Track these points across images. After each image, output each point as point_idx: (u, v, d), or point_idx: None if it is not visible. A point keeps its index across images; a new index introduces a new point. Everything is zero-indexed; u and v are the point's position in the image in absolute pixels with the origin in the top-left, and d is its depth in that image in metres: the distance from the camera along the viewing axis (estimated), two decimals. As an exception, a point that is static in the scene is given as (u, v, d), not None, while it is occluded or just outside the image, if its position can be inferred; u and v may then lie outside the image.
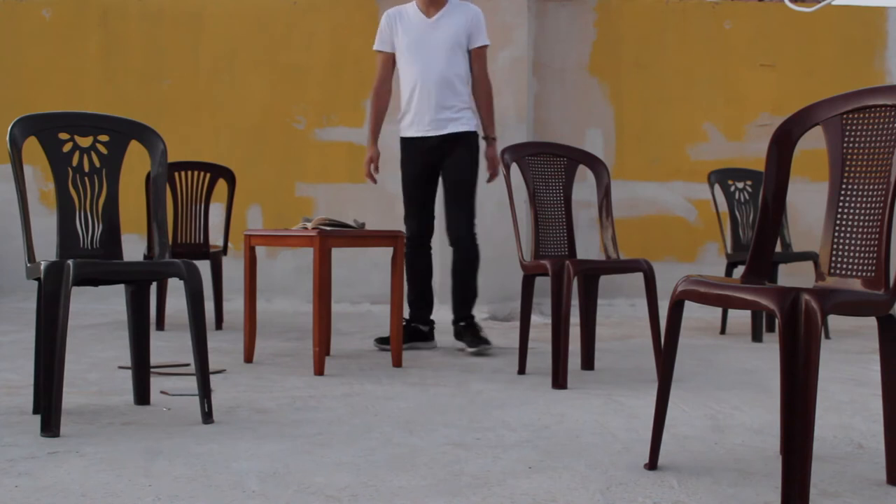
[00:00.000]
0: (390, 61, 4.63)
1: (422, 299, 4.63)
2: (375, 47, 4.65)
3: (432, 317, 4.70)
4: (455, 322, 4.57)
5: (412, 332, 4.59)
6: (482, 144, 4.62)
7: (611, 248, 4.02)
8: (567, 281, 3.57)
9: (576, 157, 4.20)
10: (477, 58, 4.55)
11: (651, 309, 3.68)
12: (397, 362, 4.01)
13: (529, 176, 4.13)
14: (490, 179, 4.66)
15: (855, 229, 2.27)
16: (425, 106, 4.50)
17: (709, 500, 2.11)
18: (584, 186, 6.71)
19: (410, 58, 4.53)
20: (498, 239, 6.06)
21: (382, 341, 4.53)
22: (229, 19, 6.72)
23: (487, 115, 4.57)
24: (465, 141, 4.52)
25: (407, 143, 4.61)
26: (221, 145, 6.61)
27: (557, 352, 3.55)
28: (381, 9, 6.68)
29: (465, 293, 4.53)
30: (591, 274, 4.00)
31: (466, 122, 4.54)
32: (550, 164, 4.17)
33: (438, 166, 4.55)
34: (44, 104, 6.26)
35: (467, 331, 4.48)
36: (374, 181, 4.70)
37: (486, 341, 4.42)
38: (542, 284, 6.60)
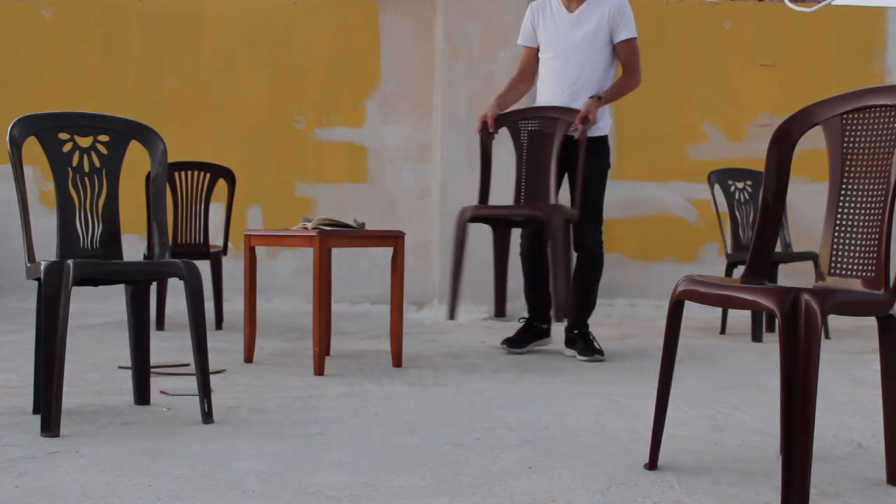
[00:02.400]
0: (532, 56, 4.57)
1: (535, 299, 4.61)
2: (519, 41, 4.61)
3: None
4: (569, 329, 4.47)
5: (536, 332, 4.59)
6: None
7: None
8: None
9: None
10: (622, 52, 4.39)
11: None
12: (397, 362, 4.01)
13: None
14: (573, 129, 4.33)
15: (855, 229, 2.27)
16: (561, 103, 4.42)
17: (709, 500, 2.11)
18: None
19: (550, 55, 4.45)
20: (498, 239, 6.05)
21: (512, 343, 4.52)
22: (229, 19, 6.72)
23: (614, 87, 4.37)
24: (595, 149, 4.38)
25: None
26: (221, 145, 6.61)
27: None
28: (381, 9, 6.69)
29: (580, 302, 4.45)
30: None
31: (598, 127, 4.40)
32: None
33: (567, 166, 4.46)
34: (44, 104, 6.26)
35: (580, 339, 4.40)
36: (490, 130, 4.49)
37: (598, 351, 4.33)
38: (542, 284, 6.60)
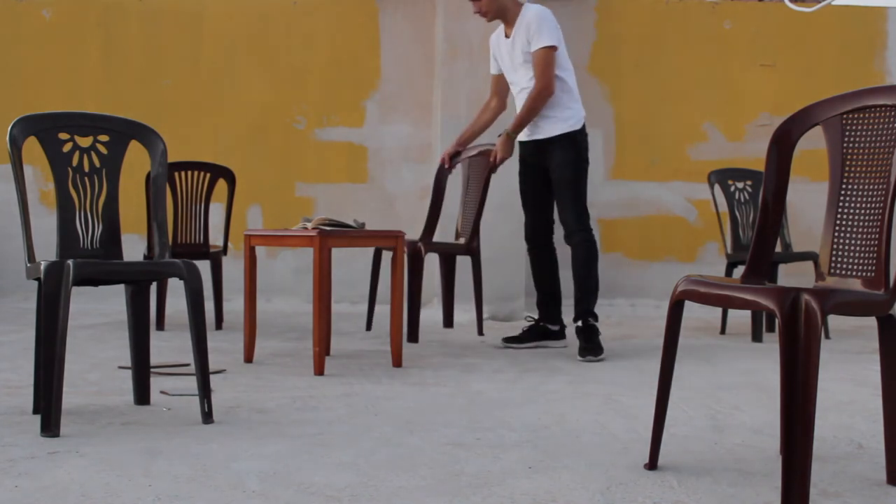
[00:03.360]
0: (500, 81, 4.75)
1: (544, 299, 4.69)
2: (491, 71, 4.79)
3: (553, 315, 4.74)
4: (574, 321, 4.49)
5: (541, 331, 4.66)
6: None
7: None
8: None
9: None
10: (532, 61, 4.44)
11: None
12: (397, 362, 4.01)
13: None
14: (490, 168, 4.72)
15: (855, 229, 2.27)
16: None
17: (709, 500, 2.11)
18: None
19: (510, 81, 4.67)
20: (498, 239, 6.06)
21: (510, 339, 4.65)
22: (229, 19, 6.72)
23: (520, 113, 4.49)
24: (560, 144, 4.48)
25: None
26: (221, 145, 6.61)
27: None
28: (381, 9, 6.69)
29: (579, 291, 4.46)
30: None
31: (552, 128, 4.49)
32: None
33: (545, 167, 4.59)
34: (44, 104, 6.26)
35: (581, 334, 4.40)
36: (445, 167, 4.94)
37: (594, 351, 4.32)
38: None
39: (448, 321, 5.00)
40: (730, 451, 2.57)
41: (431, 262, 6.55)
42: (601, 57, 6.72)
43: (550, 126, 4.49)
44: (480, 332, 4.79)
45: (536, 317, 4.76)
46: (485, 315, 5.98)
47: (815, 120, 2.39)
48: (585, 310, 4.44)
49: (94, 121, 3.11)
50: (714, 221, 5.93)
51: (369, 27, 6.67)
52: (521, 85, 4.54)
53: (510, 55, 4.56)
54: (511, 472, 2.30)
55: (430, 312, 6.16)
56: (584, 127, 4.58)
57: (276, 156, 6.67)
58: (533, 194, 4.66)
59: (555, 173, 4.50)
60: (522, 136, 4.61)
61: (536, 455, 2.48)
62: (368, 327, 5.26)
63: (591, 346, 4.34)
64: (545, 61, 4.41)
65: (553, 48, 4.41)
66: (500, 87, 4.77)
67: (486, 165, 4.79)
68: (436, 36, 6.50)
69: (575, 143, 4.52)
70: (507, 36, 4.58)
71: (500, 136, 4.57)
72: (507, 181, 5.94)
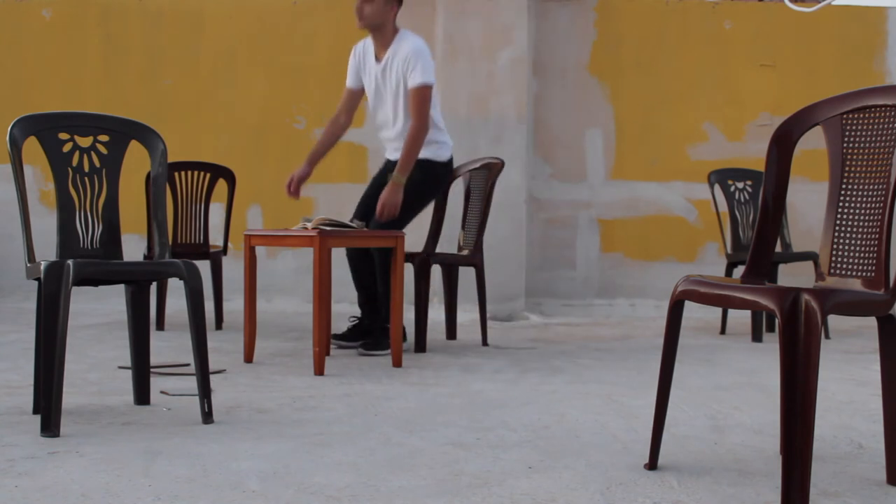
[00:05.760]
0: (352, 96, 4.67)
1: (368, 298, 4.63)
2: (348, 84, 4.67)
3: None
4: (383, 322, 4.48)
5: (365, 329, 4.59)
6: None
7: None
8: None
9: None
10: (409, 98, 4.39)
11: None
12: (397, 362, 4.01)
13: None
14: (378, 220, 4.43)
15: (855, 229, 2.27)
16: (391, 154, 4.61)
17: (709, 500, 2.11)
18: (584, 187, 6.73)
19: (371, 103, 4.59)
20: (498, 239, 6.05)
21: (337, 337, 4.57)
22: (229, 19, 6.72)
23: (403, 156, 4.37)
24: (416, 165, 4.42)
25: None
26: (221, 145, 6.61)
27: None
28: (381, 9, 6.68)
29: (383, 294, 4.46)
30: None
31: (425, 149, 4.46)
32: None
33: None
34: (44, 104, 6.26)
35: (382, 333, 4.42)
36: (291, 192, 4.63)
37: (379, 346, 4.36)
38: (543, 284, 6.61)
39: (451, 333, 4.93)
40: (730, 451, 2.57)
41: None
42: (601, 57, 6.72)
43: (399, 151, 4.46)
44: (485, 343, 4.76)
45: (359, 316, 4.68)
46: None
47: (815, 120, 2.39)
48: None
49: (94, 121, 3.11)
50: (714, 221, 5.93)
51: (369, 27, 6.66)
52: (388, 114, 4.50)
53: (380, 80, 4.48)
54: (511, 472, 2.30)
55: (430, 312, 6.15)
56: (449, 161, 4.57)
57: (276, 156, 6.67)
58: (369, 201, 4.57)
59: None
60: (391, 154, 4.60)
61: (536, 455, 2.48)
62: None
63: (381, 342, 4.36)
64: (423, 100, 4.35)
65: (431, 87, 4.38)
66: (351, 103, 4.69)
67: (488, 178, 4.74)
68: (436, 36, 6.49)
69: (432, 170, 4.51)
70: (377, 58, 4.48)
71: (385, 187, 4.37)
72: (506, 182, 5.95)
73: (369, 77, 4.56)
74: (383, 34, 4.45)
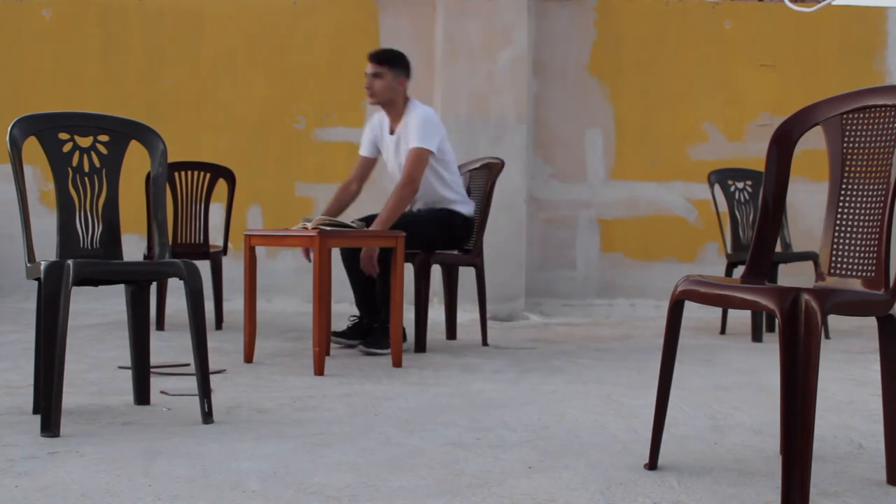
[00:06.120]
0: (366, 164, 4.74)
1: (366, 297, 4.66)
2: (360, 151, 4.74)
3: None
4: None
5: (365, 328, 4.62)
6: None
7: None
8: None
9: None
10: (406, 156, 4.44)
11: None
12: (397, 362, 4.01)
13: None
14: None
15: (855, 229, 2.27)
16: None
17: (709, 500, 2.11)
18: (584, 187, 6.73)
19: (389, 174, 4.69)
20: (498, 239, 6.05)
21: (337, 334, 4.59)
22: (229, 19, 6.72)
23: (387, 209, 4.38)
24: (436, 215, 4.58)
25: None
26: (221, 145, 6.61)
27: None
28: (380, 9, 6.69)
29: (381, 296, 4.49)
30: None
31: (443, 203, 4.59)
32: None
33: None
34: (44, 104, 6.26)
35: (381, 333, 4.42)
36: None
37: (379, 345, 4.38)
38: (543, 284, 6.61)
39: (451, 333, 4.95)
40: (730, 451, 2.57)
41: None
42: (601, 57, 6.72)
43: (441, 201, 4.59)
44: (485, 343, 4.76)
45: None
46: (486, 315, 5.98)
47: (815, 120, 2.39)
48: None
49: (94, 121, 3.11)
50: (714, 221, 5.93)
51: (369, 27, 6.67)
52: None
53: (395, 152, 4.56)
54: (511, 472, 2.30)
55: (430, 312, 6.15)
56: (466, 221, 4.62)
57: (276, 156, 6.67)
58: None
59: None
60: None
61: (536, 455, 2.48)
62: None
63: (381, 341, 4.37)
64: (417, 160, 4.41)
65: (429, 152, 4.42)
66: (364, 171, 4.75)
67: (488, 178, 4.77)
68: (436, 36, 6.50)
69: (446, 223, 4.58)
70: (391, 131, 4.56)
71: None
72: (506, 182, 5.95)
73: (386, 149, 4.65)
74: (395, 107, 4.55)
